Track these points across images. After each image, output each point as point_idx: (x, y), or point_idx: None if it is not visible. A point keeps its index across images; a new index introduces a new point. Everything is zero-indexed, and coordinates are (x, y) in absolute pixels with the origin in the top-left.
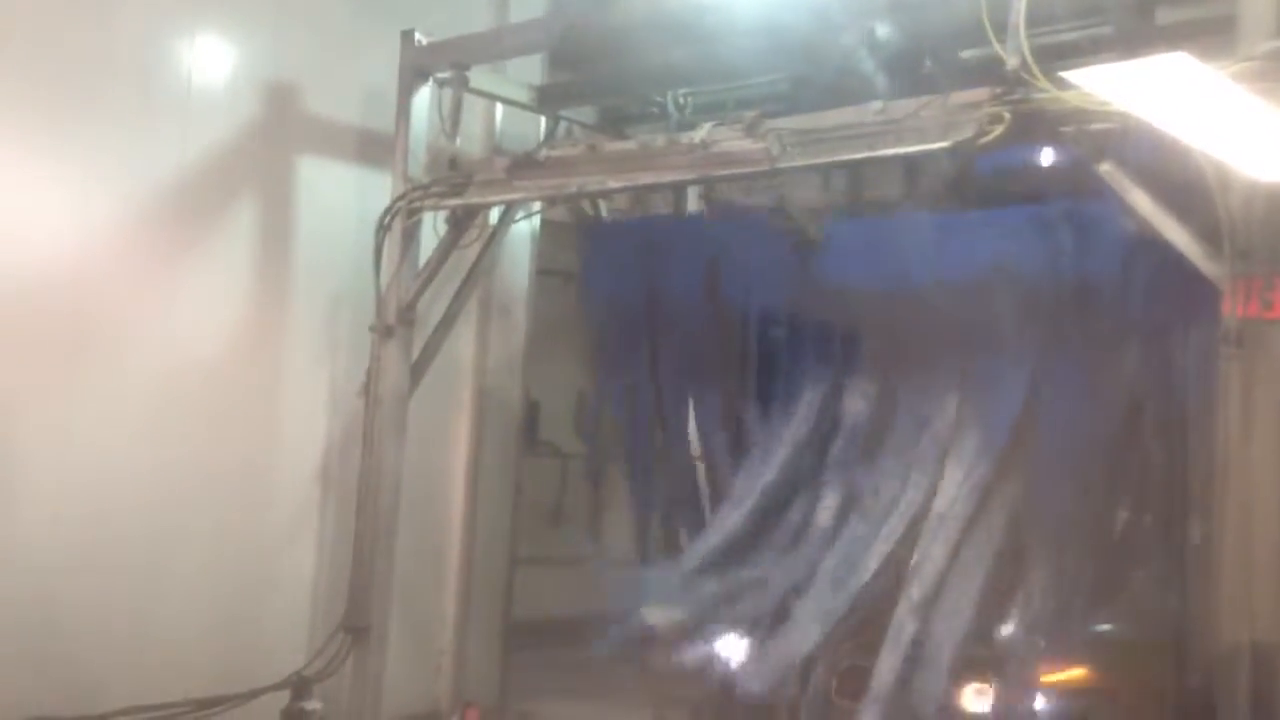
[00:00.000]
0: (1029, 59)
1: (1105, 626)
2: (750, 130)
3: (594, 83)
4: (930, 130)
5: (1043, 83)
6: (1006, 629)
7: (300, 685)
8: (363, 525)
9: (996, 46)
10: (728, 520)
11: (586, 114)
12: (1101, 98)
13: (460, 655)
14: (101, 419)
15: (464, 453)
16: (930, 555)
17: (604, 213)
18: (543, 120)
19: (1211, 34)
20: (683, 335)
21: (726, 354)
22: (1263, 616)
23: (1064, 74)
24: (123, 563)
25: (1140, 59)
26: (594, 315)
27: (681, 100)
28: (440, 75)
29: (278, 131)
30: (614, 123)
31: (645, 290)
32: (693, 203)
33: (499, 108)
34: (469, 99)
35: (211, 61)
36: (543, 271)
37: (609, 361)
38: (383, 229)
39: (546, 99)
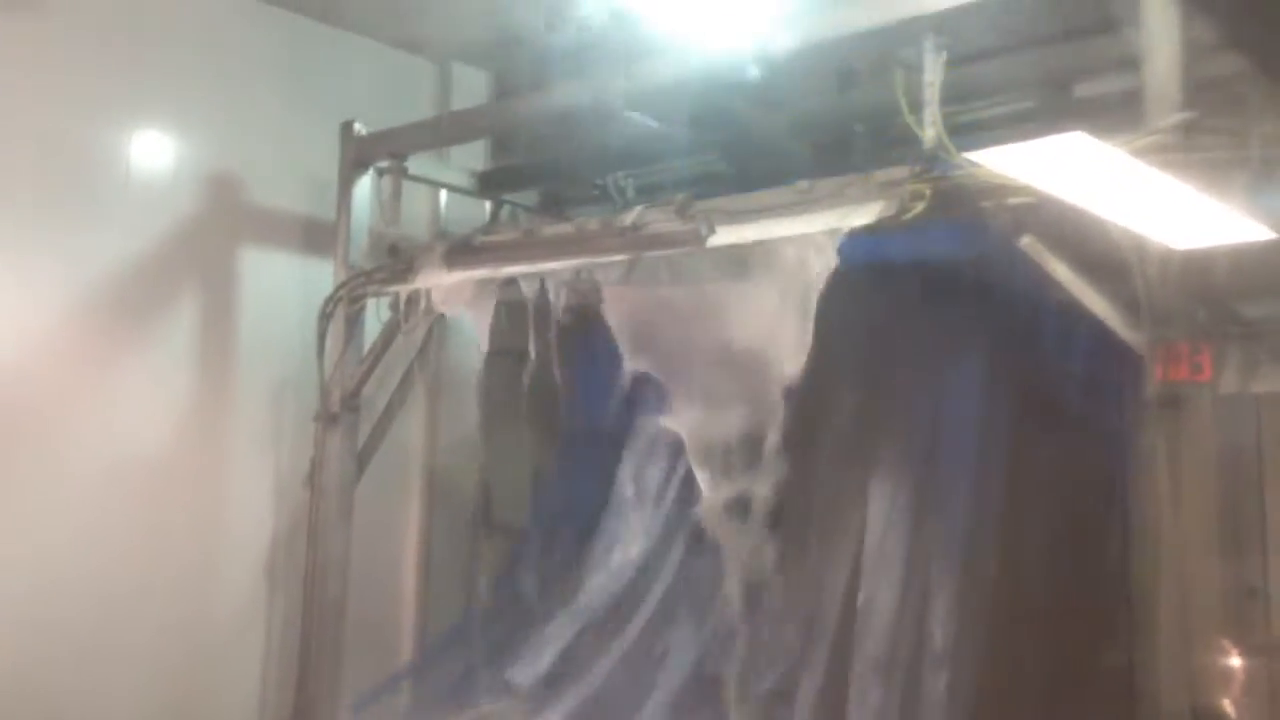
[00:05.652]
0: (944, 137)
1: None
2: (680, 211)
3: (534, 167)
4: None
5: (957, 159)
6: None
7: None
8: (309, 618)
9: (913, 125)
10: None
11: (529, 197)
12: (1012, 175)
13: None
14: (40, 516)
15: (415, 538)
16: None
17: (551, 295)
18: (488, 204)
19: (1128, 106)
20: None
21: None
22: (1202, 680)
23: (970, 154)
24: (64, 662)
25: (1040, 139)
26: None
27: (621, 183)
28: (380, 164)
29: (219, 222)
30: (556, 205)
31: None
32: None
33: (443, 192)
34: (413, 184)
35: (151, 154)
36: (494, 352)
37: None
38: (325, 316)
39: (488, 184)
